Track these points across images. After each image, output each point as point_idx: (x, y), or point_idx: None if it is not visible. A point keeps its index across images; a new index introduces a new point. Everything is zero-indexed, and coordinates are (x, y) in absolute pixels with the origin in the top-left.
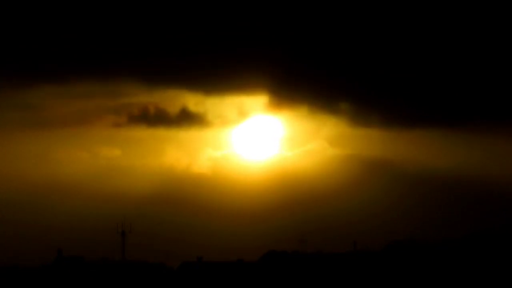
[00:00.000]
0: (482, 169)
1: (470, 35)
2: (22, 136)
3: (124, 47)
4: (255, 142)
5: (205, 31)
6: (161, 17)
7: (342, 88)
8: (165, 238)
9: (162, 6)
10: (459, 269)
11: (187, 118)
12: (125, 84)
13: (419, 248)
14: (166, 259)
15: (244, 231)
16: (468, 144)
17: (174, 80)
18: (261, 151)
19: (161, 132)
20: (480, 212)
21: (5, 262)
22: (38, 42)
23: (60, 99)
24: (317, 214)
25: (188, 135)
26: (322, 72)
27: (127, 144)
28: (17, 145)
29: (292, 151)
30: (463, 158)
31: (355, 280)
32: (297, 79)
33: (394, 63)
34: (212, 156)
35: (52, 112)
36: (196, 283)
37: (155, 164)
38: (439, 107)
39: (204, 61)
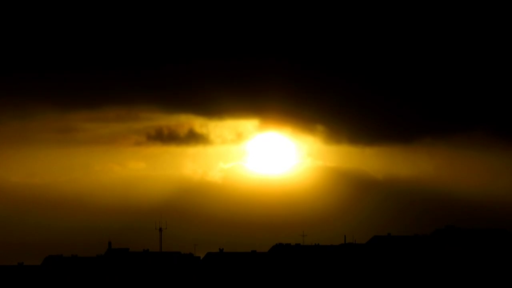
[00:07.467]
0: (437, 177)
1: (424, 58)
2: (64, 153)
3: (143, 81)
4: (251, 157)
5: (209, 69)
6: (174, 58)
7: (318, 113)
8: (192, 232)
9: (174, 49)
10: (428, 260)
11: (193, 138)
12: (145, 110)
13: (396, 242)
14: (194, 250)
15: (255, 226)
16: (423, 156)
17: (184, 107)
18: (256, 163)
19: (173, 149)
20: (432, 212)
21: (66, 252)
22: (76, 77)
23: (93, 123)
24: (311, 213)
25: (195, 151)
26: (302, 101)
27: (148, 158)
28: (60, 160)
29: (282, 164)
30: (420, 167)
31: (345, 268)
32: (283, 107)
33: (359, 91)
34: (219, 168)
35: (86, 134)
36: (219, 270)
37: (174, 174)
38: (398, 125)
39: (208, 92)
